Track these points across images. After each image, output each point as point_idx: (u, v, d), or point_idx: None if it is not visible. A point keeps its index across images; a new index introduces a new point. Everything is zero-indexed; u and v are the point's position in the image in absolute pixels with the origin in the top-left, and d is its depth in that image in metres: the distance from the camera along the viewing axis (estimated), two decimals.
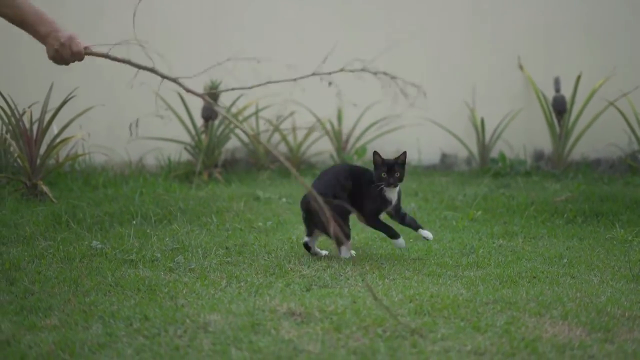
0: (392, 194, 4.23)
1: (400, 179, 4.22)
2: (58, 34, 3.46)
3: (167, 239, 4.49)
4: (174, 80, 3.51)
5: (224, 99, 7.13)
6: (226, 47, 7.61)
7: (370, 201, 4.24)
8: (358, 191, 4.27)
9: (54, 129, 6.07)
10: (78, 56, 3.52)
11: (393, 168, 4.19)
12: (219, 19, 7.63)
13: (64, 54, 3.48)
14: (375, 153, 4.27)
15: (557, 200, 5.76)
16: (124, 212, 5.10)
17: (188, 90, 3.52)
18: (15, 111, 5.78)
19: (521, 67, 7.88)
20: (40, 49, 6.91)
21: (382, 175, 4.17)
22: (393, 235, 4.24)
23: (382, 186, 4.18)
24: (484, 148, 7.75)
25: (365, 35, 7.87)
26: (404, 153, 4.29)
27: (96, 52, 3.57)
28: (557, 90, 7.60)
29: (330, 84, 4.39)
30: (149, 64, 3.59)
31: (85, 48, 3.53)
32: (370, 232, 4.85)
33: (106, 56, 3.58)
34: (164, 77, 3.54)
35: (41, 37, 3.48)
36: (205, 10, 7.65)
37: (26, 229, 4.64)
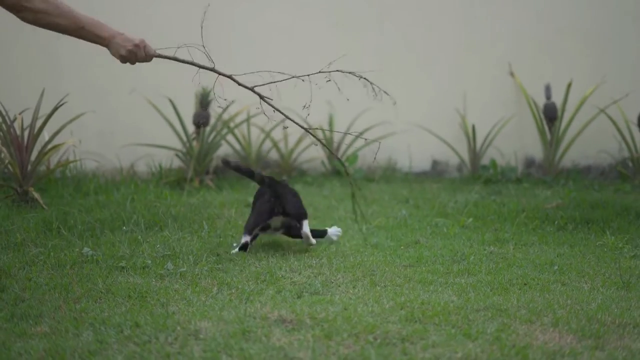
0: None
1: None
2: (127, 35, 3.77)
3: (158, 246, 4.48)
4: (230, 77, 4.17)
5: (216, 106, 7.14)
6: (217, 51, 7.62)
7: None
8: None
9: (45, 135, 6.06)
10: (149, 58, 3.86)
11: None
12: (210, 25, 7.63)
13: (139, 54, 3.79)
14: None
15: (548, 207, 5.77)
16: (115, 219, 5.09)
17: (244, 86, 4.21)
18: (6, 117, 5.76)
19: (512, 74, 7.89)
20: (31, 55, 6.89)
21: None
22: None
23: None
24: (475, 155, 7.76)
25: (356, 42, 7.88)
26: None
27: (165, 55, 3.94)
28: (548, 97, 7.61)
29: (328, 80, 4.53)
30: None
31: (155, 52, 3.89)
32: (361, 239, 4.85)
33: (174, 58, 3.97)
34: (222, 74, 4.14)
35: (104, 39, 3.76)
36: (193, 13, 7.65)
37: (17, 236, 4.63)
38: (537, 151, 7.89)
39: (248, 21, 7.74)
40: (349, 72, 4.40)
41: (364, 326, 3.14)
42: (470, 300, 3.54)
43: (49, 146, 5.92)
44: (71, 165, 6.81)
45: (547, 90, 7.62)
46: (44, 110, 5.95)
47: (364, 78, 4.38)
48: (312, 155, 7.68)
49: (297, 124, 4.30)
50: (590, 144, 7.80)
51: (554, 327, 3.22)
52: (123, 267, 4.05)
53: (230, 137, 7.51)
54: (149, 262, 4.13)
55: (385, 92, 4.49)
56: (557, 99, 7.61)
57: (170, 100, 6.93)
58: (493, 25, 7.93)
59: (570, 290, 3.82)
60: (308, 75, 4.37)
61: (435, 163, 8.02)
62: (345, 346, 2.97)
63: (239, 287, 3.73)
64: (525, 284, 3.90)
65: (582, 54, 7.89)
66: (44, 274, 3.92)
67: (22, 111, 6.01)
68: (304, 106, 4.35)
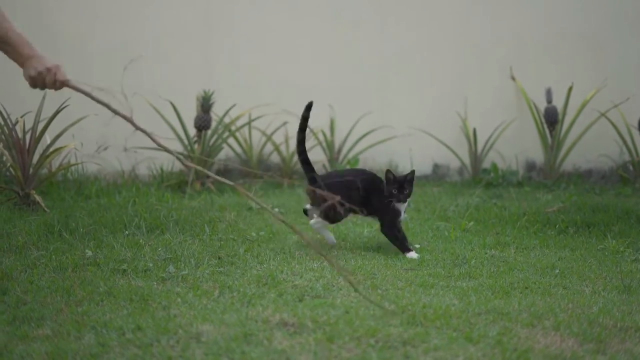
0: (401, 208, 4.62)
1: (409, 195, 4.60)
2: (44, 59, 3.58)
3: (159, 249, 4.48)
4: (149, 135, 3.78)
5: (217, 110, 7.14)
6: (217, 54, 7.63)
7: (384, 212, 4.64)
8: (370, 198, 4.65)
9: (47, 138, 6.07)
10: (60, 85, 3.63)
11: (403, 185, 4.56)
12: (211, 26, 7.64)
13: (47, 79, 3.59)
14: (387, 171, 4.58)
15: (549, 210, 5.77)
16: (116, 222, 5.09)
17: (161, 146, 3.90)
18: (8, 120, 5.77)
19: (513, 78, 7.90)
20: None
21: (393, 191, 4.55)
22: (405, 249, 4.58)
23: (394, 201, 4.57)
24: (476, 158, 7.77)
25: (358, 45, 7.89)
26: (413, 172, 4.62)
27: (78, 87, 3.66)
28: (549, 101, 7.62)
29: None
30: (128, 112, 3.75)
31: (68, 81, 3.64)
32: (362, 242, 4.86)
33: (86, 94, 3.67)
34: (138, 128, 3.77)
35: (23, 57, 3.60)
36: (196, 18, 7.65)
37: (18, 239, 4.63)
38: (538, 155, 7.90)
39: (248, 21, 7.75)
40: None
41: (366, 329, 3.15)
42: (471, 304, 3.54)
43: (51, 149, 5.92)
44: (73, 168, 6.81)
45: (548, 94, 7.63)
46: (46, 114, 5.96)
47: None
48: (314, 158, 7.66)
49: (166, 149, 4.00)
50: (591, 148, 7.81)
51: (555, 330, 3.22)
52: (125, 270, 4.04)
53: (231, 140, 7.51)
54: (151, 265, 4.14)
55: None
56: (558, 102, 7.62)
57: (172, 104, 6.93)
58: (494, 28, 7.94)
59: (571, 294, 3.82)
60: None
61: (436, 167, 8.03)
62: (347, 349, 2.97)
63: (241, 290, 3.73)
64: (526, 288, 3.90)
65: (583, 58, 7.90)
66: (45, 276, 3.92)
67: (24, 114, 6.01)
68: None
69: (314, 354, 2.92)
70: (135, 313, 3.36)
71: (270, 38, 7.76)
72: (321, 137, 7.71)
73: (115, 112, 3.72)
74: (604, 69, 7.79)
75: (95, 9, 7.48)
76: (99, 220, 5.13)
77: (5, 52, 3.63)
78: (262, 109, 7.47)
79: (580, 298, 3.72)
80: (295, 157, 7.61)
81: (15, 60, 3.63)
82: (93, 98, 3.67)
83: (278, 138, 7.66)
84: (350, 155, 7.75)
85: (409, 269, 4.22)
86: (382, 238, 4.90)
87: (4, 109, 5.83)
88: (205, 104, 6.89)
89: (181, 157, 4.02)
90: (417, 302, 3.53)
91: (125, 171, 7.39)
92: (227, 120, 7.24)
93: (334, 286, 3.83)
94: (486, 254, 4.63)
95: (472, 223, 5.44)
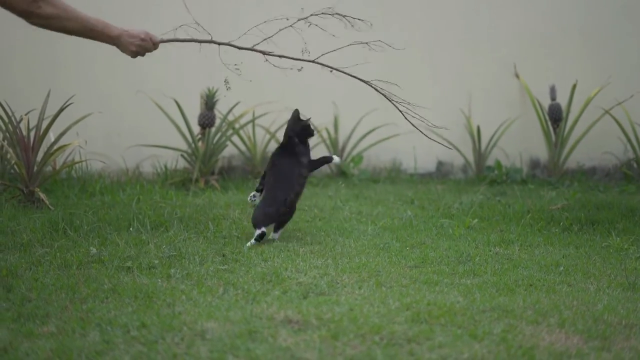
0: None
1: None
2: (131, 32, 4.08)
3: (164, 246, 4.49)
4: (229, 44, 4.75)
5: (221, 107, 7.14)
6: (221, 52, 7.63)
7: None
8: None
9: (51, 136, 6.07)
10: (156, 46, 4.20)
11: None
12: (215, 24, 7.64)
13: (147, 46, 4.13)
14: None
15: (553, 208, 5.76)
16: (120, 219, 5.10)
17: (245, 48, 4.78)
18: (13, 118, 5.78)
19: (517, 75, 7.89)
20: (37, 57, 6.91)
21: None
22: None
23: None
24: (479, 156, 7.76)
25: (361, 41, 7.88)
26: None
27: (168, 39, 4.38)
28: (553, 98, 7.61)
29: (331, 71, 4.80)
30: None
31: (162, 40, 4.25)
32: (366, 240, 4.85)
33: (176, 40, 4.49)
34: (221, 43, 4.69)
35: (113, 38, 4.05)
36: (201, 15, 7.65)
37: (23, 236, 4.64)
38: (542, 152, 7.89)
39: (253, 19, 7.74)
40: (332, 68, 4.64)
41: (370, 327, 3.15)
42: (476, 301, 3.54)
43: (55, 147, 5.92)
44: (77, 165, 6.82)
45: (552, 91, 7.62)
46: (50, 111, 5.96)
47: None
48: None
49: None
50: (595, 145, 7.79)
51: (560, 328, 3.22)
52: (129, 268, 4.05)
53: (235, 138, 7.51)
54: (156, 262, 4.14)
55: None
56: (562, 100, 7.60)
57: (176, 101, 6.94)
58: (498, 26, 7.93)
59: (576, 291, 3.82)
60: (307, 16, 4.69)
61: (440, 164, 8.02)
62: (352, 347, 2.97)
63: (245, 287, 3.73)
64: (531, 285, 3.90)
65: (587, 55, 7.89)
66: (50, 274, 3.93)
67: (28, 112, 6.01)
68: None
69: (319, 351, 2.93)
70: (140, 310, 3.37)
71: (275, 35, 7.74)
72: (325, 135, 7.71)
73: (203, 41, 4.68)
74: (608, 66, 7.78)
75: (99, 6, 7.48)
76: (103, 217, 5.14)
77: (94, 38, 4.02)
78: (266, 106, 7.47)
79: (585, 295, 3.72)
80: None
81: (105, 42, 4.07)
82: (181, 40, 4.56)
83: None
84: (354, 152, 7.75)
85: (413, 267, 4.22)
86: (387, 236, 4.92)
87: (8, 106, 5.83)
88: (209, 102, 6.88)
89: None
90: (421, 300, 3.53)
91: (130, 169, 7.39)
92: (231, 117, 7.24)
93: (338, 283, 3.83)
94: (490, 251, 4.63)
95: (476, 220, 5.43)
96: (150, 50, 4.16)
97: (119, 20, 4.32)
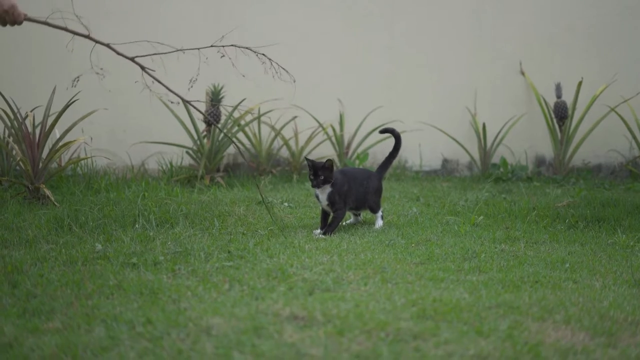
0: (318, 193, 4.99)
1: (324, 182, 4.92)
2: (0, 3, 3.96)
3: (169, 243, 4.49)
4: (108, 46, 4.39)
5: (227, 104, 7.14)
6: (227, 49, 7.62)
7: None
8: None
9: (56, 133, 6.08)
10: (19, 22, 4.00)
11: (317, 172, 4.91)
12: (221, 22, 7.65)
13: (7, 19, 3.97)
14: (305, 158, 5.14)
15: (559, 205, 5.76)
16: (126, 216, 5.10)
17: (124, 56, 4.42)
18: (18, 115, 5.79)
19: (523, 73, 7.89)
20: (42, 53, 6.92)
21: (310, 177, 4.94)
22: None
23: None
24: (485, 153, 7.76)
25: (366, 39, 7.88)
26: (329, 160, 4.93)
27: (35, 19, 4.16)
28: (559, 96, 7.60)
29: (222, 56, 4.97)
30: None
31: (25, 15, 4.03)
32: (372, 237, 4.85)
33: (45, 23, 4.23)
34: (99, 42, 4.38)
35: None
36: (208, 12, 7.66)
37: (28, 232, 4.65)
38: (547, 150, 7.89)
39: (259, 20, 7.75)
40: (245, 47, 4.60)
41: (376, 323, 3.14)
42: (481, 298, 3.54)
43: (60, 143, 5.93)
44: (82, 162, 6.83)
45: (558, 89, 7.61)
46: (56, 108, 5.97)
47: (262, 54, 4.58)
48: (323, 153, 7.68)
49: (176, 94, 4.45)
50: (601, 143, 7.80)
51: (566, 324, 3.22)
52: (134, 264, 4.05)
53: (240, 135, 7.51)
54: (161, 258, 4.14)
55: (284, 69, 4.87)
56: (567, 97, 7.60)
57: (182, 98, 6.93)
58: (504, 23, 7.92)
59: (581, 288, 3.81)
60: (198, 48, 4.61)
61: (445, 161, 8.02)
62: (358, 343, 2.97)
63: (250, 284, 3.73)
64: (536, 282, 3.89)
65: (592, 52, 7.88)
66: (55, 270, 3.93)
67: (34, 109, 6.03)
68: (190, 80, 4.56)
69: (325, 347, 2.92)
70: (145, 306, 3.37)
71: (281, 34, 7.75)
72: (330, 132, 7.70)
73: (74, 33, 4.35)
74: (613, 64, 7.77)
75: (106, 4, 7.49)
76: (108, 214, 5.14)
77: None
78: (271, 103, 7.47)
79: (591, 292, 3.71)
80: (305, 152, 7.61)
81: None
82: (51, 25, 4.28)
83: (287, 133, 7.66)
84: (360, 150, 7.75)
85: (418, 263, 4.21)
86: (393, 233, 4.92)
87: (14, 103, 5.84)
88: (214, 99, 6.88)
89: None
90: (427, 296, 3.53)
91: (135, 166, 7.40)
92: (236, 115, 7.24)
93: (343, 280, 3.82)
94: (496, 248, 4.62)
95: (481, 217, 5.43)
96: (10, 23, 4.01)
97: None
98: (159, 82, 4.50)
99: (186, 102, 4.59)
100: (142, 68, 4.48)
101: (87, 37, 4.35)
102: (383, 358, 2.85)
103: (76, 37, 4.43)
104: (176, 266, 4.01)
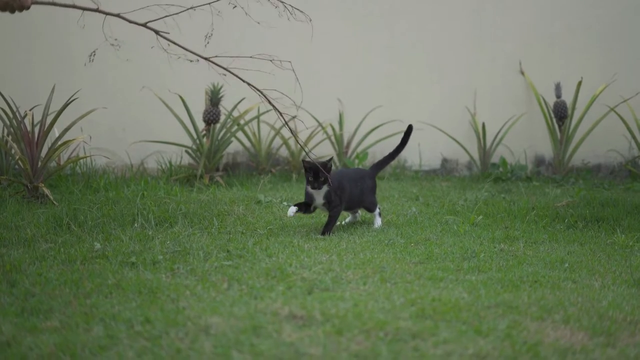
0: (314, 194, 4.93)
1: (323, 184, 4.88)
2: None
3: (168, 242, 4.49)
4: (118, 16, 4.37)
5: (226, 104, 7.13)
6: (228, 47, 7.63)
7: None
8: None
9: (55, 131, 6.08)
10: (27, 6, 3.99)
11: (318, 174, 4.86)
12: (220, 20, 7.63)
13: (15, 5, 3.94)
14: (303, 160, 4.98)
15: (558, 205, 5.76)
16: (125, 215, 5.10)
17: (136, 23, 4.39)
18: (17, 113, 5.79)
19: (522, 73, 7.88)
20: (42, 52, 6.92)
21: (309, 179, 4.89)
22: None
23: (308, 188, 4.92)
24: (484, 153, 7.75)
25: (366, 39, 7.88)
26: (329, 159, 4.94)
27: (42, 1, 4.19)
28: (558, 95, 7.60)
29: (234, 7, 5.06)
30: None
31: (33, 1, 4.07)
32: (371, 236, 4.85)
33: (52, 3, 4.21)
34: (109, 14, 4.33)
35: None
36: (206, 12, 7.64)
37: (27, 231, 4.64)
38: (547, 149, 7.89)
39: (259, 16, 7.74)
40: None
41: (375, 322, 3.14)
42: (480, 297, 3.53)
43: (59, 142, 5.93)
44: (81, 161, 6.83)
45: (557, 88, 7.61)
46: (55, 107, 5.96)
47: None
48: (323, 152, 7.67)
49: (194, 53, 4.43)
50: (600, 143, 7.79)
51: (565, 324, 3.22)
52: (133, 263, 4.05)
53: (240, 134, 7.51)
54: (160, 257, 4.14)
55: (299, 9, 4.89)
56: (567, 97, 7.60)
57: (181, 97, 6.93)
58: (503, 23, 7.92)
59: (580, 287, 3.81)
60: (209, 3, 4.56)
61: (445, 161, 8.02)
62: (356, 342, 2.97)
63: (249, 283, 3.73)
64: (535, 282, 3.89)
65: (592, 52, 7.88)
66: (54, 269, 3.92)
67: (33, 107, 6.02)
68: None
69: (323, 346, 2.92)
70: (144, 305, 3.37)
71: (281, 33, 7.74)
72: (330, 132, 7.70)
73: (86, 9, 4.35)
74: (613, 64, 7.77)
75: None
76: (107, 213, 5.14)
77: None
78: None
79: (590, 292, 3.71)
80: (304, 152, 7.60)
81: None
82: (59, 4, 4.25)
83: (287, 132, 7.65)
84: (360, 149, 7.75)
85: (418, 263, 4.21)
86: (392, 232, 4.91)
87: (13, 101, 5.84)
88: (214, 98, 6.88)
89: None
90: (426, 296, 3.53)
91: (134, 165, 7.40)
92: (235, 114, 7.24)
93: (342, 279, 3.82)
94: (495, 247, 4.62)
95: (481, 217, 5.42)
96: (20, 10, 3.99)
97: None
98: (174, 43, 4.47)
99: (206, 59, 4.55)
100: (157, 32, 4.46)
101: (97, 10, 4.31)
102: (382, 357, 2.85)
103: (86, 16, 4.43)
104: (175, 265, 4.01)
